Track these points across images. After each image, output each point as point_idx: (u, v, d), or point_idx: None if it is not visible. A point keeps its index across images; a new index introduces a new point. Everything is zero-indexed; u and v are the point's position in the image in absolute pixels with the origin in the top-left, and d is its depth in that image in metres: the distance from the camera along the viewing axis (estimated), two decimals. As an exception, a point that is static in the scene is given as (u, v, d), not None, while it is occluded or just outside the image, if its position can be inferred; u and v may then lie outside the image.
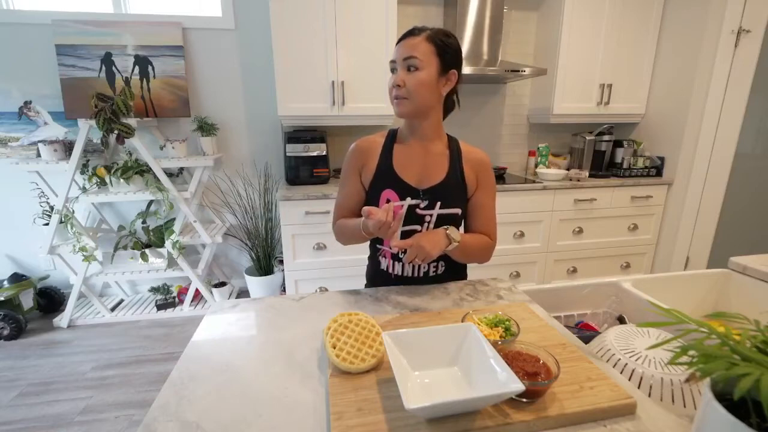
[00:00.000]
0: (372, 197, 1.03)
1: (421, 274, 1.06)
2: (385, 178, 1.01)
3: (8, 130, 2.37)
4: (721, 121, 2.32)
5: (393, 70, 0.96)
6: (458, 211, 1.02)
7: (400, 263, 1.06)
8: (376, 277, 1.12)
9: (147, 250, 2.46)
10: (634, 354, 0.75)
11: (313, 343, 0.76)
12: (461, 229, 1.09)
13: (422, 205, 1.00)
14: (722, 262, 1.22)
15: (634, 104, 2.68)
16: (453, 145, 1.05)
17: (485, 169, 1.05)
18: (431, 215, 1.00)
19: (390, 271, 1.07)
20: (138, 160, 2.33)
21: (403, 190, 1.00)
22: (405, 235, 1.02)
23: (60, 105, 2.34)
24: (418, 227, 1.01)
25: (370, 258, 1.15)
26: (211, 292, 2.59)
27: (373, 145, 1.05)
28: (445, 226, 0.96)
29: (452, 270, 1.09)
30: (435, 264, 1.06)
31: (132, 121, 2.14)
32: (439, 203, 1.00)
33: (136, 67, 2.36)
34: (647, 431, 0.55)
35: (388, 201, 1.00)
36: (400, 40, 0.95)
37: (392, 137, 1.06)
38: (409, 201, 0.96)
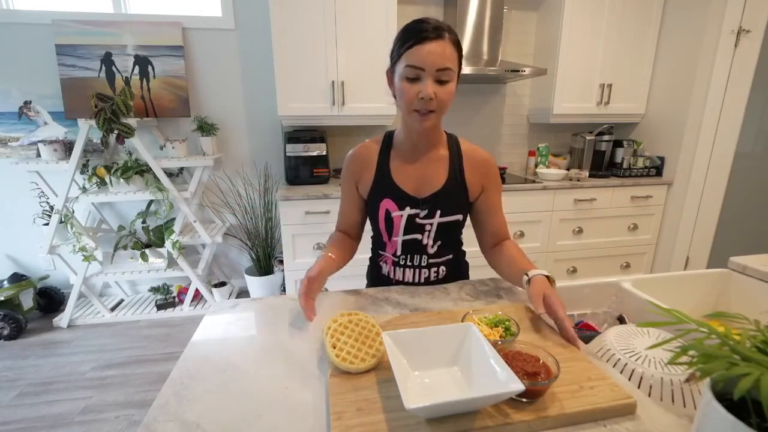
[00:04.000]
0: (371, 207, 1.01)
1: (422, 280, 1.03)
2: (383, 188, 0.98)
3: (8, 130, 2.37)
4: (721, 121, 2.32)
5: (412, 78, 0.83)
6: (459, 217, 0.99)
7: (401, 269, 1.03)
8: (377, 279, 1.10)
9: (147, 250, 2.46)
10: (634, 354, 0.74)
11: (313, 343, 0.76)
12: (464, 231, 1.07)
13: (422, 215, 0.97)
14: (722, 262, 1.22)
15: (633, 104, 2.68)
16: (452, 145, 0.99)
17: (491, 170, 0.99)
18: (431, 224, 0.98)
19: (391, 276, 1.05)
20: (138, 160, 2.33)
21: (402, 199, 0.97)
22: (406, 244, 1.00)
23: (60, 105, 2.34)
24: (418, 236, 0.99)
25: (370, 260, 1.14)
26: (211, 292, 2.59)
27: (370, 154, 1.00)
28: (544, 275, 0.81)
29: (453, 274, 1.07)
30: (436, 269, 1.03)
31: (132, 121, 2.14)
32: (439, 211, 0.96)
33: (136, 67, 2.36)
34: (647, 431, 0.55)
35: (387, 211, 0.98)
36: (421, 40, 0.81)
37: (388, 142, 1.01)
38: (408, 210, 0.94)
